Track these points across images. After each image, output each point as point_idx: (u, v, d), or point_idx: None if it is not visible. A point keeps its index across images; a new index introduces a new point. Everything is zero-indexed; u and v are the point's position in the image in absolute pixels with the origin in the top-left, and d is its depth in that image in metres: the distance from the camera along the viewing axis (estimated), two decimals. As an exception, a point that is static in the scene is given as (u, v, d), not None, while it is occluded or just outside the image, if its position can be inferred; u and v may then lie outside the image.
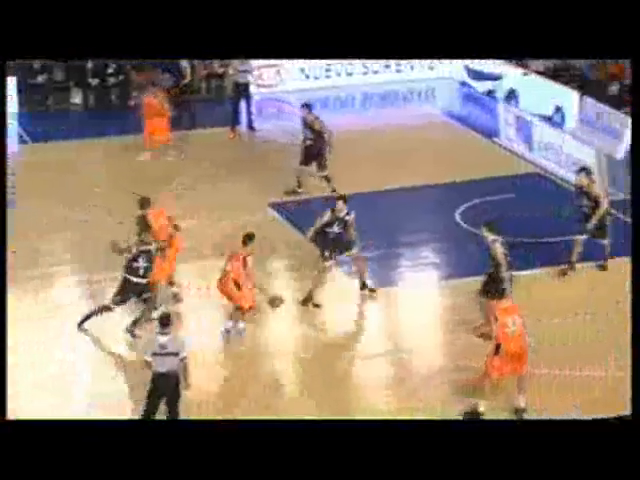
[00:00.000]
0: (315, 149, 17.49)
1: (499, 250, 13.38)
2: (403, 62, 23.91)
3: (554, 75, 21.83)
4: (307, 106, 17.72)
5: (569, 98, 20.63)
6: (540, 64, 22.87)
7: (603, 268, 15.30)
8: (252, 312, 13.62)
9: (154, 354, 11.36)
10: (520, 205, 17.24)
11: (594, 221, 14.98)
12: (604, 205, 15.03)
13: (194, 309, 14.32)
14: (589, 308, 14.24)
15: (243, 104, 21.24)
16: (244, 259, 13.44)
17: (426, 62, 23.95)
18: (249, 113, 21.28)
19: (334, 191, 17.54)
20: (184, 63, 22.39)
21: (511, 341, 11.85)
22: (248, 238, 13.57)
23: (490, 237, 13.52)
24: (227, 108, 21.49)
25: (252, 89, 21.71)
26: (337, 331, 14.20)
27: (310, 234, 14.53)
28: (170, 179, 18.52)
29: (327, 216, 14.29)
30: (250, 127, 21.32)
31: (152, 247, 13.55)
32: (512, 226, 16.28)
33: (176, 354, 11.32)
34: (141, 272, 13.46)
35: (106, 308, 13.63)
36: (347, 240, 14.34)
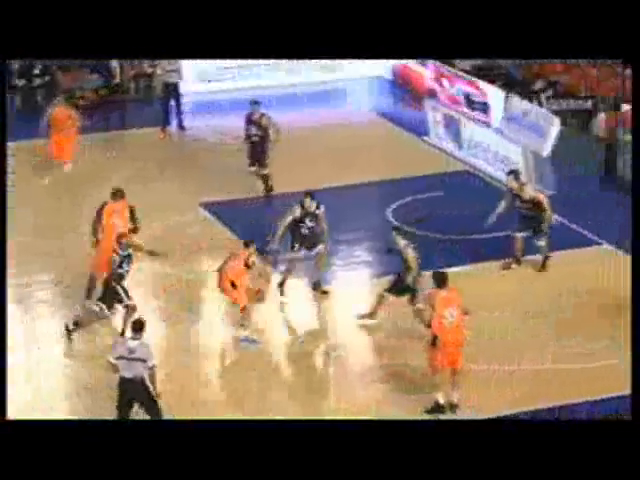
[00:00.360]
0: (260, 146, 17.48)
1: (410, 255, 13.53)
2: (336, 61, 24.01)
3: (479, 74, 22.10)
4: (255, 103, 17.71)
5: (496, 95, 20.95)
6: (466, 63, 23.15)
7: (544, 268, 15.29)
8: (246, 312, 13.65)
9: (120, 357, 11.28)
10: (449, 203, 17.47)
11: (546, 225, 15.04)
12: (546, 206, 15.06)
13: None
14: (525, 303, 14.46)
15: (173, 104, 21.17)
16: (245, 261, 13.60)
17: (359, 61, 24.08)
18: (179, 113, 21.21)
19: (270, 190, 17.56)
20: (113, 63, 22.22)
21: (448, 333, 11.89)
22: (251, 240, 13.86)
23: (402, 242, 13.64)
24: (157, 108, 21.41)
25: (182, 88, 21.63)
26: (272, 330, 14.23)
27: (279, 234, 14.54)
28: (101, 180, 18.36)
29: (297, 212, 14.46)
30: (180, 127, 21.25)
31: (131, 250, 13.55)
32: (441, 223, 16.56)
33: (144, 361, 11.22)
34: (126, 276, 13.47)
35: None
36: (318, 234, 14.54)
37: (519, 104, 20.28)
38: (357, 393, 12.63)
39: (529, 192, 15.23)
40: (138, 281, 15.09)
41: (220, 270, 13.73)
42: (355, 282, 15.38)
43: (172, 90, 21.15)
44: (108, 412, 11.53)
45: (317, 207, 14.54)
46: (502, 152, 18.91)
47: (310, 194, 14.63)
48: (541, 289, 14.89)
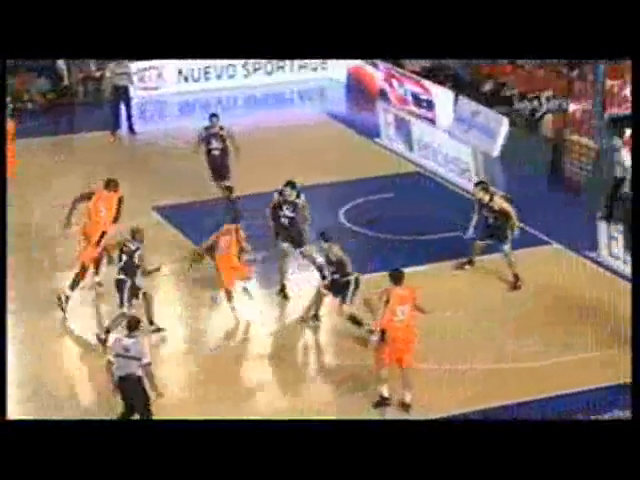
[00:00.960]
0: (220, 159, 17.28)
1: (337, 254, 13.64)
2: (287, 63, 24.09)
3: (428, 75, 22.29)
4: (214, 116, 17.37)
5: (445, 97, 21.15)
6: (416, 64, 23.33)
7: (516, 286, 14.95)
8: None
9: (117, 355, 11.37)
10: (400, 204, 17.60)
11: (511, 232, 14.83)
12: (514, 216, 14.89)
13: (76, 316, 14.26)
14: (477, 303, 14.57)
15: (122, 107, 21.07)
16: (237, 232, 14.15)
17: (310, 64, 24.17)
18: (129, 116, 21.12)
19: (230, 200, 17.20)
20: (61, 65, 22.02)
21: (397, 330, 11.99)
22: None
23: (325, 245, 13.75)
24: (106, 111, 21.31)
25: (132, 91, 21.54)
26: (224, 333, 14.24)
27: (269, 219, 14.92)
28: (49, 184, 18.22)
29: (275, 198, 14.72)
30: (131, 130, 21.16)
31: (134, 245, 13.57)
32: (393, 224, 16.68)
33: (138, 359, 11.29)
34: (137, 272, 13.56)
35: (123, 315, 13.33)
36: (300, 224, 14.73)
37: (468, 105, 20.49)
38: (307, 393, 12.68)
39: (498, 202, 14.97)
40: (88, 284, 15.05)
41: (220, 249, 14.13)
42: (308, 283, 15.42)
43: (122, 93, 21.06)
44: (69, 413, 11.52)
45: (297, 196, 14.69)
46: (452, 153, 19.08)
47: (291, 183, 14.75)
48: (492, 289, 15.03)
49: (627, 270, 15.11)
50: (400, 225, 16.68)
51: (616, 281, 15.09)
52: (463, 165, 18.70)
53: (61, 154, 19.73)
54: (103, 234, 14.45)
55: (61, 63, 21.96)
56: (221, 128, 17.31)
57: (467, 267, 15.52)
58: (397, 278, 12.24)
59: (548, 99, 20.01)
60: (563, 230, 16.42)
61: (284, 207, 14.67)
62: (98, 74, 22.98)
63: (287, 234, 14.75)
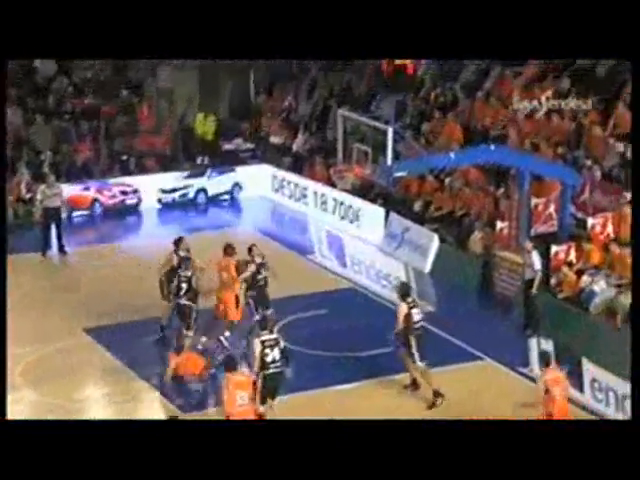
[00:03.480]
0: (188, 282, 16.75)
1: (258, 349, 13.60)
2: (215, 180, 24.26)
3: (360, 193, 22.62)
4: (180, 240, 16.94)
5: (376, 214, 21.48)
6: (347, 183, 23.67)
7: (415, 387, 15.05)
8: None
9: None
10: (334, 320, 17.63)
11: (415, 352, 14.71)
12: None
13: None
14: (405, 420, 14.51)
15: (53, 228, 20.99)
16: (236, 265, 15.91)
17: (240, 181, 24.40)
18: (59, 237, 21.03)
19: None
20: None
21: (239, 415, 12.24)
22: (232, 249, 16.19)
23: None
24: (37, 233, 21.20)
25: (63, 212, 21.50)
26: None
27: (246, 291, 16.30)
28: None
29: (252, 267, 16.17)
30: (61, 251, 21.04)
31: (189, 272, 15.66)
32: (325, 341, 16.66)
33: None
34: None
35: None
36: (266, 292, 16.38)
37: (399, 222, 20.82)
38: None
39: (413, 314, 14.91)
40: (19, 411, 14.68)
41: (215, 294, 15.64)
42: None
43: (53, 214, 21.00)
44: None
45: (263, 257, 16.31)
46: (385, 269, 19.28)
47: (254, 245, 16.44)
48: (422, 406, 14.90)
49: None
50: (333, 341, 16.67)
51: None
52: (395, 281, 18.86)
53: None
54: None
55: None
56: (188, 250, 16.78)
57: (410, 390, 15.11)
58: (230, 366, 12.86)
59: (476, 217, 20.40)
60: (494, 345, 16.52)
61: (262, 270, 16.18)
62: (28, 196, 22.89)
63: (259, 298, 16.14)
